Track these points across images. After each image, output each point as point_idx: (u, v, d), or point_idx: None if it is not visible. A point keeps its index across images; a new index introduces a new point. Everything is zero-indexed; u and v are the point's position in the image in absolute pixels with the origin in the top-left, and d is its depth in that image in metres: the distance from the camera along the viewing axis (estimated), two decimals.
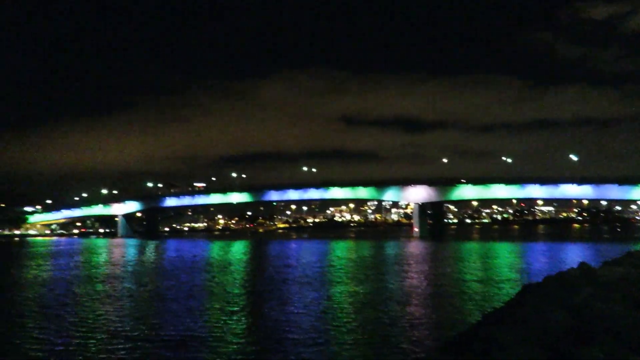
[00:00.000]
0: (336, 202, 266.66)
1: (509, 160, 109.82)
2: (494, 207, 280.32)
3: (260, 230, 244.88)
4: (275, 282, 31.24)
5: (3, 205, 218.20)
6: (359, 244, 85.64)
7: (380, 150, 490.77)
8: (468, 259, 47.28)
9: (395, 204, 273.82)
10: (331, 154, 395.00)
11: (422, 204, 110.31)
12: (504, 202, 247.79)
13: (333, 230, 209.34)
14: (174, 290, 28.01)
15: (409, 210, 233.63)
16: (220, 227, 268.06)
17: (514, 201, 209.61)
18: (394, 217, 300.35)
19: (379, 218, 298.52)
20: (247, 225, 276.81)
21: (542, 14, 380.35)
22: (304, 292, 26.00)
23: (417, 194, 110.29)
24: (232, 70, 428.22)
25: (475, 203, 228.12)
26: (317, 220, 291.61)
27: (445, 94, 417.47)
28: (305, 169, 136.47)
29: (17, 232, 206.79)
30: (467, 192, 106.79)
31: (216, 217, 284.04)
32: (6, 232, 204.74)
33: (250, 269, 42.11)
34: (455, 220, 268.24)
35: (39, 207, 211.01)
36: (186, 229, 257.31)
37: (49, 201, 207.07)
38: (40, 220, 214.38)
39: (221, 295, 25.90)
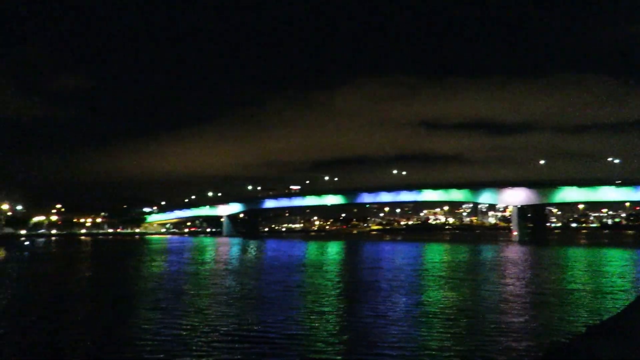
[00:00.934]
0: (430, 205, 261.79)
1: (617, 161, 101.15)
2: (604, 210, 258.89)
3: (354, 231, 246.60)
4: (367, 284, 31.27)
5: (126, 206, 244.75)
6: (453, 247, 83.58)
7: (467, 153, 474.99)
8: (573, 266, 44.53)
9: (492, 207, 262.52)
10: (416, 158, 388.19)
11: (522, 206, 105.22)
12: (616, 206, 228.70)
13: (427, 232, 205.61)
14: (269, 288, 29.16)
15: (507, 213, 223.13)
16: (315, 228, 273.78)
17: (627, 204, 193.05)
18: (491, 220, 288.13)
19: (475, 221, 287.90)
20: (341, 227, 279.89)
21: (635, 6, 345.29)
22: (395, 296, 25.75)
23: (515, 197, 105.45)
24: (311, 81, 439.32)
25: (581, 206, 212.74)
26: (410, 222, 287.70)
27: (529, 96, 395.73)
28: (395, 171, 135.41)
29: (137, 230, 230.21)
30: (571, 194, 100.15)
31: (312, 219, 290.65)
32: (129, 230, 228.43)
33: (343, 270, 42.54)
34: (559, 224, 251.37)
35: (155, 208, 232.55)
36: (284, 229, 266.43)
37: (163, 203, 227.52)
38: (156, 220, 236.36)
39: (313, 295, 26.40)
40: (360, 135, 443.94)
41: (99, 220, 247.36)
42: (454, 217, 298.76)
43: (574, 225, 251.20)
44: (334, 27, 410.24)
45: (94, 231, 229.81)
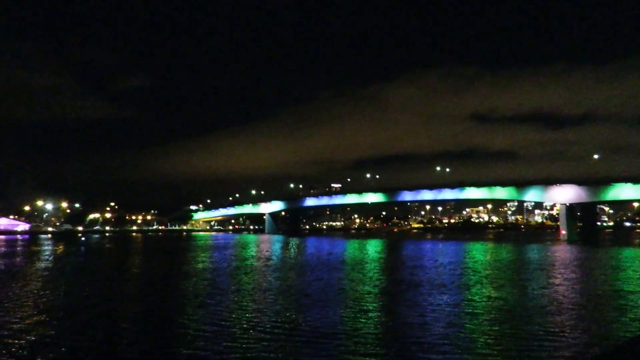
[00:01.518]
0: (472, 203, 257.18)
1: None
2: None
3: (395, 230, 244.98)
4: (407, 282, 30.87)
5: (174, 204, 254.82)
6: (497, 246, 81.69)
7: (518, 149, 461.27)
8: (627, 267, 42.51)
9: (538, 205, 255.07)
10: (464, 154, 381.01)
11: (570, 205, 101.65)
12: None
13: (469, 231, 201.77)
14: (309, 286, 29.29)
15: (554, 212, 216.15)
16: (356, 226, 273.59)
17: None
18: (537, 218, 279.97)
19: (520, 220, 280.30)
20: (382, 225, 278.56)
21: None
22: (437, 295, 25.30)
23: (563, 194, 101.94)
24: (360, 76, 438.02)
25: (636, 204, 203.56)
26: (452, 221, 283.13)
27: (591, 85, 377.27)
28: (438, 169, 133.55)
29: (184, 227, 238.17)
30: (625, 192, 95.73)
31: (352, 217, 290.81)
32: (176, 227, 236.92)
33: (383, 268, 42.19)
34: (611, 223, 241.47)
35: (201, 206, 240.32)
36: (324, 227, 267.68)
37: (209, 201, 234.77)
38: (202, 218, 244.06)
39: (352, 293, 26.27)
40: (407, 132, 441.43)
41: (149, 217, 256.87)
42: (497, 216, 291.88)
43: (627, 224, 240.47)
44: (386, 20, 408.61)
45: (144, 228, 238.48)
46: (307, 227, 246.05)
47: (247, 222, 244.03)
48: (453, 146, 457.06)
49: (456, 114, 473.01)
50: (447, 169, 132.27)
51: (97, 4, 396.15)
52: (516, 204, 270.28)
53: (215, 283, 31.61)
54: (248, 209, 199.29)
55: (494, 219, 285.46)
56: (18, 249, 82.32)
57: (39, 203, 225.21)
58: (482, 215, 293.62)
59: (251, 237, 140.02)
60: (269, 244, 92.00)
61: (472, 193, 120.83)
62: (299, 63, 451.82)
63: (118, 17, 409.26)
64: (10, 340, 16.32)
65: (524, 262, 49.04)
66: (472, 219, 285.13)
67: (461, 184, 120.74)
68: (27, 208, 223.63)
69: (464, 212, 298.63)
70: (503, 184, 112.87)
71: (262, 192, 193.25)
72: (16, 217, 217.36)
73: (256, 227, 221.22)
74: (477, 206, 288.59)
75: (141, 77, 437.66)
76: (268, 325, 18.28)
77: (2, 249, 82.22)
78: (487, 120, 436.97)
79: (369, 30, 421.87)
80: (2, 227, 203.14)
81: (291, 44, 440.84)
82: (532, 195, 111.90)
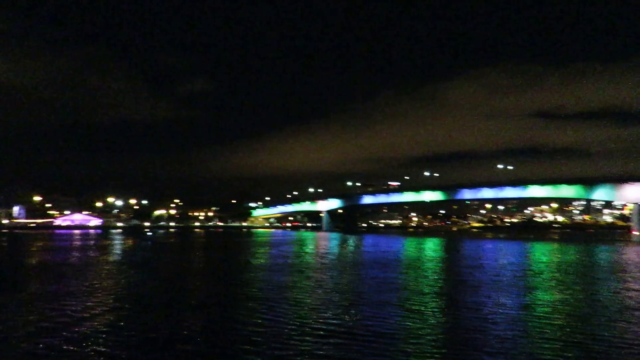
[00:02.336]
0: (536, 202, 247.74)
1: None
2: None
3: (454, 228, 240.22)
4: (465, 283, 30.16)
5: (235, 201, 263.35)
6: (563, 247, 78.37)
7: (587, 146, 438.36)
8: None
9: (608, 204, 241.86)
10: (528, 151, 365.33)
11: None
12: None
13: (532, 231, 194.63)
14: (364, 284, 29.35)
15: (625, 212, 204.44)
16: (414, 225, 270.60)
17: None
18: (607, 218, 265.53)
19: (588, 219, 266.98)
20: (440, 224, 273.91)
21: None
22: (496, 297, 24.35)
23: (636, 193, 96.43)
24: (419, 75, 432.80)
25: None
26: (514, 220, 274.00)
27: None
28: (500, 166, 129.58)
29: (244, 223, 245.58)
30: None
31: (410, 215, 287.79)
32: (236, 224, 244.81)
33: (441, 268, 41.55)
34: None
35: (260, 203, 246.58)
36: (381, 225, 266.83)
37: (268, 198, 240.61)
38: (261, 215, 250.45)
39: (407, 293, 25.97)
40: (468, 129, 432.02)
41: (210, 214, 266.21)
42: (563, 215, 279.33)
43: None
44: (446, 19, 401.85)
45: (206, 224, 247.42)
46: (364, 224, 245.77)
47: (305, 219, 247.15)
48: (514, 144, 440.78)
49: (519, 111, 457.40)
50: (510, 167, 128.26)
51: (164, 12, 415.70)
52: (583, 203, 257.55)
53: (271, 279, 32.35)
54: (306, 206, 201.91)
55: (559, 218, 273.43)
56: (91, 242, 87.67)
57: (110, 199, 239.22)
58: (547, 215, 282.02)
59: (308, 235, 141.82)
60: (326, 241, 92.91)
61: (535, 191, 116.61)
62: (359, 63, 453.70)
63: (184, 23, 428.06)
64: (77, 328, 17.16)
65: (593, 264, 46.94)
66: (535, 219, 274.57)
67: (523, 182, 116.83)
68: (99, 204, 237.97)
69: (527, 211, 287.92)
70: (569, 181, 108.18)
71: (320, 190, 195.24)
72: (89, 212, 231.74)
73: (313, 224, 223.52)
74: (541, 205, 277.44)
75: (205, 79, 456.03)
76: (319, 323, 18.24)
77: (77, 242, 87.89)
78: (553, 117, 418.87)
79: (429, 29, 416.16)
80: (76, 222, 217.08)
81: (351, 44, 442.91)
82: (601, 194, 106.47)
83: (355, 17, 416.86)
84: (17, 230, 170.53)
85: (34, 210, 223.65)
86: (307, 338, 16.15)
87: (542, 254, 61.22)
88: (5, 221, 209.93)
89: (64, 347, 14.97)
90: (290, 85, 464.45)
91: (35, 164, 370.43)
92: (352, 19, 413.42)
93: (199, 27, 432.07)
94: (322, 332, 16.83)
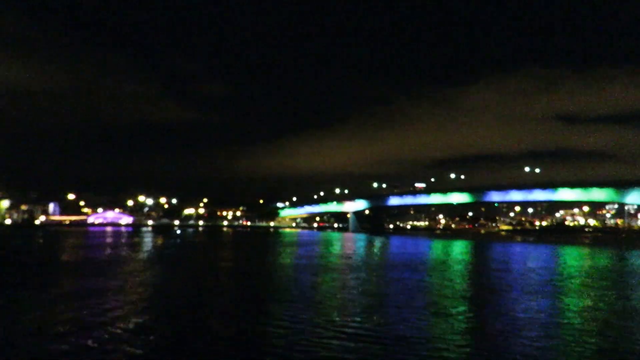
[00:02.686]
0: (566, 205, 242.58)
1: None
2: None
3: (482, 231, 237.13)
4: (493, 287, 29.87)
5: (262, 201, 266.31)
6: (594, 251, 76.68)
7: (617, 149, 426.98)
8: None
9: None
10: (554, 154, 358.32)
11: None
12: None
13: (563, 235, 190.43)
14: (389, 286, 29.51)
15: None
16: (441, 227, 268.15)
17: None
18: None
19: (621, 224, 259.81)
20: (468, 226, 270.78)
21: None
22: (526, 302, 23.98)
23: None
24: (440, 79, 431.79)
25: None
26: (544, 223, 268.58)
27: None
28: (527, 169, 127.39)
29: (271, 223, 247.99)
30: None
31: (437, 217, 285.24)
32: (263, 224, 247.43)
33: (468, 270, 41.30)
34: None
35: (287, 203, 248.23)
36: (408, 227, 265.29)
37: (294, 199, 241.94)
38: (288, 215, 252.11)
39: (433, 296, 25.85)
40: (490, 132, 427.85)
41: (238, 213, 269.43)
42: (595, 219, 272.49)
43: None
44: (468, 20, 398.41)
45: (234, 223, 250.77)
46: (391, 226, 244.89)
47: (332, 220, 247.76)
48: (538, 147, 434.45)
49: (538, 115, 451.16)
50: (537, 169, 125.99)
51: (180, 17, 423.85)
52: (616, 206, 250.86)
53: (297, 279, 32.84)
54: (332, 207, 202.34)
55: (591, 222, 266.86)
56: (123, 240, 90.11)
57: (141, 198, 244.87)
58: (577, 218, 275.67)
59: (335, 235, 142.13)
60: (352, 242, 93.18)
61: (565, 194, 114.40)
62: (381, 67, 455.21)
63: (200, 28, 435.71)
64: (109, 328, 17.40)
65: (626, 269, 45.93)
66: (565, 222, 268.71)
67: (553, 184, 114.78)
68: (130, 203, 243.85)
69: (557, 215, 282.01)
70: (600, 184, 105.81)
71: (346, 191, 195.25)
72: (121, 210, 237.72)
73: (340, 225, 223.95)
74: (572, 208, 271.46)
75: (227, 84, 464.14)
76: (343, 325, 18.26)
77: (109, 239, 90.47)
78: (574, 120, 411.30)
79: (450, 36, 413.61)
80: (109, 220, 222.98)
81: (374, 49, 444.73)
82: (635, 197, 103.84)
83: (378, 26, 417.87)
84: (52, 228, 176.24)
85: (68, 208, 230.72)
86: (326, 339, 16.10)
87: (573, 258, 60.18)
88: (42, 217, 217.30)
89: (91, 345, 15.12)
90: (317, 89, 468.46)
91: (69, 164, 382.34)
92: (375, 26, 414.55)
93: (215, 33, 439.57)
94: (344, 334, 16.74)
